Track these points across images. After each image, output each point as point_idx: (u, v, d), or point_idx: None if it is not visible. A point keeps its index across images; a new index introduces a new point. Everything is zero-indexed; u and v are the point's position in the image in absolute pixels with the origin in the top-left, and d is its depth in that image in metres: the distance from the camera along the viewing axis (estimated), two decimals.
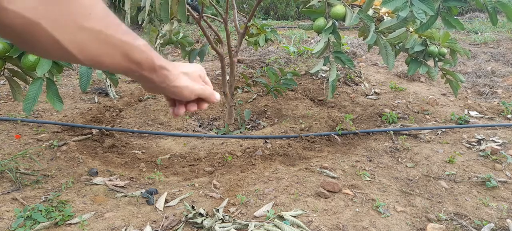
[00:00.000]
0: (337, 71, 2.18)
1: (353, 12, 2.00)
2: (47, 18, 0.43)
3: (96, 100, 3.52)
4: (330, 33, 2.08)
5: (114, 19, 0.52)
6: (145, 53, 0.57)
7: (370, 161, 2.43)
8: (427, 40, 2.48)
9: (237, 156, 2.55)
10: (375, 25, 2.19)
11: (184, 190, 2.08)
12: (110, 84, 3.62)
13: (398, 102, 3.55)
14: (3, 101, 3.38)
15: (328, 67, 2.29)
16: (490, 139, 2.71)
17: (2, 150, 2.43)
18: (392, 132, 2.83)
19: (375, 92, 3.84)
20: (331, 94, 2.27)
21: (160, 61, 0.60)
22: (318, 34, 2.12)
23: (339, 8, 2.02)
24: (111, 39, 0.51)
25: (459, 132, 2.90)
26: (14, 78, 1.98)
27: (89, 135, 2.78)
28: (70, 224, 1.74)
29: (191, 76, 0.68)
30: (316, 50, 2.13)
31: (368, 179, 2.18)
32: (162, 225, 1.75)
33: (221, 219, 1.75)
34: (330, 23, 2.06)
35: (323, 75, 4.13)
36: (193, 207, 1.86)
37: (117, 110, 3.37)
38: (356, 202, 1.94)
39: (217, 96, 0.76)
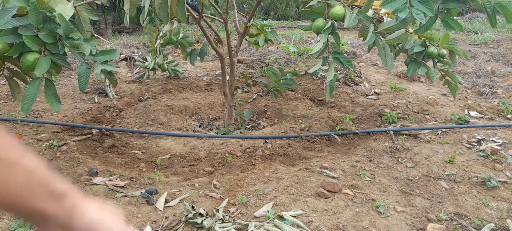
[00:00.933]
0: (337, 71, 2.19)
1: (353, 13, 2.00)
2: None
3: (96, 100, 3.52)
4: (329, 34, 2.08)
5: None
6: (35, 175, 0.42)
7: (370, 161, 2.43)
8: (427, 41, 2.48)
9: (237, 156, 2.55)
10: (375, 26, 2.19)
11: (184, 190, 2.08)
12: (109, 85, 3.62)
13: (398, 102, 3.55)
14: (3, 101, 3.38)
15: (328, 67, 2.29)
16: (490, 139, 2.71)
17: None
18: (392, 132, 2.83)
19: (375, 92, 3.84)
20: (329, 95, 2.27)
21: (64, 186, 0.46)
22: (318, 35, 2.12)
23: (338, 9, 2.02)
24: None
25: (459, 132, 2.90)
26: (13, 78, 1.98)
27: (89, 135, 2.78)
28: None
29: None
30: (315, 50, 2.13)
31: (368, 179, 2.19)
32: (162, 225, 1.75)
33: (221, 219, 1.76)
34: (329, 23, 2.06)
35: (323, 75, 4.13)
36: (193, 207, 1.86)
37: (117, 110, 3.37)
38: (356, 202, 1.94)
39: None
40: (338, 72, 4.15)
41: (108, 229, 0.47)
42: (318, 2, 2.12)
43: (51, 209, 0.42)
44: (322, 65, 2.26)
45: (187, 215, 1.79)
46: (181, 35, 3.62)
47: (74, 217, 0.44)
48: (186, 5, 2.06)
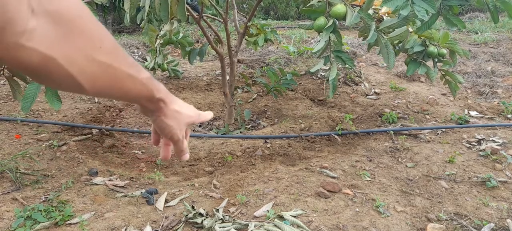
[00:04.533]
0: (337, 71, 2.17)
1: (354, 11, 2.00)
2: (62, 53, 0.44)
3: (96, 100, 3.52)
4: (330, 33, 2.08)
5: (122, 52, 0.54)
6: (146, 86, 0.60)
7: (370, 161, 2.43)
8: (427, 41, 2.48)
9: (237, 156, 2.55)
10: (375, 25, 2.19)
11: (184, 190, 2.08)
12: None
13: (398, 102, 3.55)
14: (3, 101, 3.38)
15: (328, 67, 2.29)
16: (490, 139, 2.71)
17: (2, 150, 2.43)
18: (392, 132, 2.83)
19: (375, 92, 3.84)
20: (331, 93, 2.26)
21: (160, 94, 0.64)
22: (319, 34, 2.12)
23: (339, 7, 2.02)
24: (118, 72, 0.53)
25: (459, 131, 2.90)
26: (14, 77, 1.98)
27: (89, 135, 2.78)
28: (70, 224, 1.74)
29: (180, 118, 0.72)
30: (316, 49, 2.13)
31: (368, 179, 2.18)
32: (162, 225, 1.75)
33: (221, 219, 1.75)
34: (331, 22, 2.05)
35: (323, 75, 4.13)
36: (193, 207, 1.86)
37: (117, 110, 3.37)
38: (356, 202, 1.94)
39: (185, 157, 0.83)
40: (338, 71, 4.14)
41: (186, 113, 0.74)
42: (319, 1, 2.12)
43: (152, 107, 0.65)
44: (324, 64, 2.26)
45: (187, 215, 1.79)
46: (181, 35, 3.62)
47: (163, 110, 0.67)
48: (186, 5, 2.06)
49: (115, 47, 0.52)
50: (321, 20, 2.08)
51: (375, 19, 2.31)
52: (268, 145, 2.68)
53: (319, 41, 2.13)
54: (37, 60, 0.42)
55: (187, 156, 0.82)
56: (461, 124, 3.04)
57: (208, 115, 0.83)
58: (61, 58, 0.44)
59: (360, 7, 2.03)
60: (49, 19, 0.42)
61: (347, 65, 2.23)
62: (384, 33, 2.20)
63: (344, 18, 2.03)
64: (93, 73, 0.49)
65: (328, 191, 2.01)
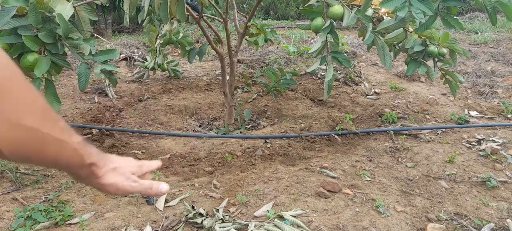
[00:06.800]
0: (337, 71, 2.18)
1: (351, 12, 2.00)
2: None
3: (96, 100, 3.52)
4: (327, 33, 2.08)
5: (53, 115, 0.51)
6: (77, 151, 0.57)
7: (370, 160, 2.43)
8: (427, 40, 2.48)
9: (237, 156, 2.55)
10: (374, 25, 2.19)
11: (184, 190, 2.08)
12: (109, 84, 3.62)
13: (398, 102, 3.55)
14: None
15: (327, 67, 2.29)
16: (490, 139, 2.70)
17: None
18: (392, 131, 2.83)
19: (375, 92, 3.84)
20: (327, 94, 2.26)
21: (91, 159, 0.61)
22: (316, 34, 2.12)
23: (337, 8, 2.02)
24: (46, 137, 0.49)
25: (459, 131, 2.90)
26: None
27: (89, 135, 2.78)
28: (70, 224, 1.74)
29: (120, 171, 0.67)
30: (313, 49, 2.13)
31: (368, 179, 2.18)
32: (162, 225, 1.75)
33: (221, 219, 1.75)
34: (328, 23, 2.05)
35: (323, 74, 4.13)
36: (193, 207, 1.86)
37: (117, 110, 3.37)
38: (356, 202, 1.94)
39: (163, 188, 0.74)
40: (338, 72, 4.15)
41: (126, 164, 0.69)
42: (317, 1, 2.12)
43: (84, 173, 0.61)
44: (320, 65, 2.26)
45: (187, 215, 1.79)
46: (181, 35, 3.62)
47: (96, 174, 0.63)
48: (185, 5, 2.06)
49: (46, 110, 0.49)
50: (318, 21, 2.08)
51: (375, 19, 2.31)
52: (268, 145, 2.68)
53: (317, 41, 2.13)
54: None
55: (163, 188, 0.74)
56: (461, 124, 3.04)
57: (153, 164, 0.77)
58: None
59: (358, 8, 2.03)
60: None
61: (344, 66, 2.23)
62: (381, 35, 2.20)
63: (341, 18, 2.03)
64: (16, 138, 0.45)
65: (328, 191, 2.01)
